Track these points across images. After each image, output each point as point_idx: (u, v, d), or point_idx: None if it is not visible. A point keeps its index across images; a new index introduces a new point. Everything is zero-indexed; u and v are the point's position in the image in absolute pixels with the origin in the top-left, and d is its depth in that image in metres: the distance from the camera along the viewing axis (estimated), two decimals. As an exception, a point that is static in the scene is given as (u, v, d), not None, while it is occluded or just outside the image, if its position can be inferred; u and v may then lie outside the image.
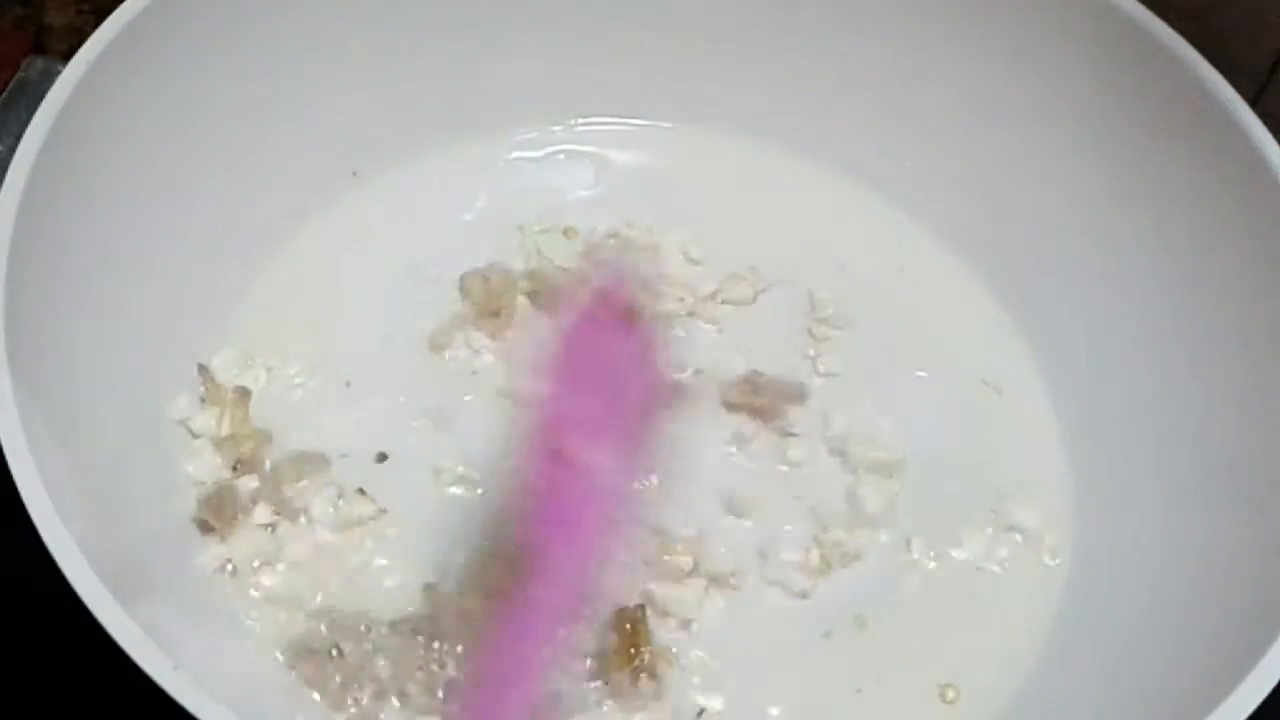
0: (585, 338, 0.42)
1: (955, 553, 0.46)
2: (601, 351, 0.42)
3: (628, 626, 0.42)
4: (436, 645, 0.42)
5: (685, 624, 0.43)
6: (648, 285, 0.45)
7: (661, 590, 0.43)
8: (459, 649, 0.42)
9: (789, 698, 0.43)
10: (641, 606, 0.42)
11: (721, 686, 0.43)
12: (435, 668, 0.41)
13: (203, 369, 0.46)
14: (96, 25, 0.42)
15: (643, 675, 0.41)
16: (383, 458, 0.46)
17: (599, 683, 0.41)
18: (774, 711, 0.42)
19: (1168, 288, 0.46)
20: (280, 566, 0.43)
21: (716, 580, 0.44)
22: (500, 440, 0.45)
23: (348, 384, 0.48)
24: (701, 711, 0.42)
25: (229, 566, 0.43)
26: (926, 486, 0.47)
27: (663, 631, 0.43)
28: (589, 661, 0.42)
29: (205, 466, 0.45)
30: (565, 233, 0.51)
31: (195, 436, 0.45)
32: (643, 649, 0.42)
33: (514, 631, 0.38)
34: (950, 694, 0.43)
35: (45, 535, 0.34)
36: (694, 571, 0.44)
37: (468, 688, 0.40)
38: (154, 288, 0.45)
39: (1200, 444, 0.44)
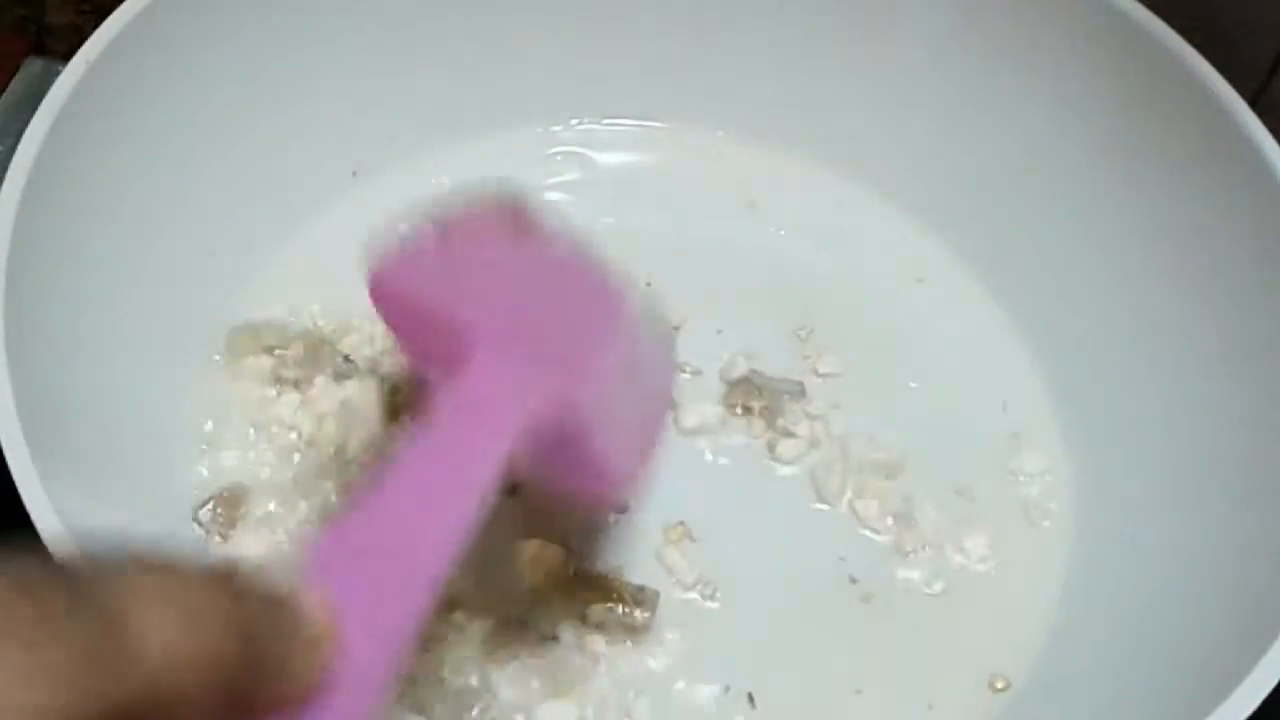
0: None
1: (954, 551, 0.46)
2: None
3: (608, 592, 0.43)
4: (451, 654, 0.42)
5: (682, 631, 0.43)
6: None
7: (666, 593, 0.43)
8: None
9: (789, 693, 0.43)
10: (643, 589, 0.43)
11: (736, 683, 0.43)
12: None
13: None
14: (96, 25, 0.42)
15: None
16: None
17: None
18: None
19: (1168, 287, 0.46)
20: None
21: (712, 584, 0.44)
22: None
23: (348, 385, 0.48)
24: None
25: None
26: (926, 486, 0.47)
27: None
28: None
29: (210, 468, 0.45)
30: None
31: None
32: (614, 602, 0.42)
33: None
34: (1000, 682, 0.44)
35: (45, 534, 0.34)
36: (696, 582, 0.44)
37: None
38: (154, 288, 0.45)
39: (1201, 443, 0.44)
